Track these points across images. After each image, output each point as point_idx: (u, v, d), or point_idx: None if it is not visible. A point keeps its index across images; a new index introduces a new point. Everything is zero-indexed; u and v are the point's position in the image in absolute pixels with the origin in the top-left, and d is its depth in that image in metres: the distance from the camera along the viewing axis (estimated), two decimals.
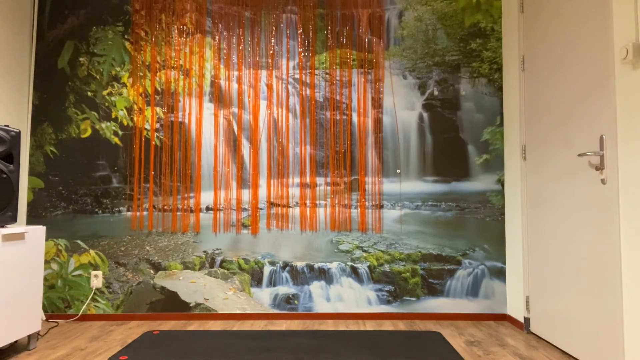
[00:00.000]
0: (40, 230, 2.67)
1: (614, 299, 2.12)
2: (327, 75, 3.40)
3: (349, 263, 3.31)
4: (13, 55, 3.26)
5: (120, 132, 3.39)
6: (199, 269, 3.32)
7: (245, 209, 3.36)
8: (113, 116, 3.40)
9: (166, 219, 3.35)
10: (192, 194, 3.36)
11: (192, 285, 3.31)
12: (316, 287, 3.30)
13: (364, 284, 3.30)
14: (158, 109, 3.40)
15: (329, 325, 3.11)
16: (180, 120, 3.39)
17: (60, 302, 3.31)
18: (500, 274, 3.28)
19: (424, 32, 3.40)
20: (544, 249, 2.74)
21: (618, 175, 2.11)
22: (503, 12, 3.35)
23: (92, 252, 3.34)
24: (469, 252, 3.30)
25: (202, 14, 3.44)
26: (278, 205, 3.36)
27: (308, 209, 3.35)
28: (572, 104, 2.47)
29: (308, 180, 3.36)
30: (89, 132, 3.40)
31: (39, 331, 2.81)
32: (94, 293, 3.31)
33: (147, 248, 3.34)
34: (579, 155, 2.30)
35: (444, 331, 2.99)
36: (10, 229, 2.46)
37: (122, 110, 3.40)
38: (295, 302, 3.30)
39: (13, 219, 2.56)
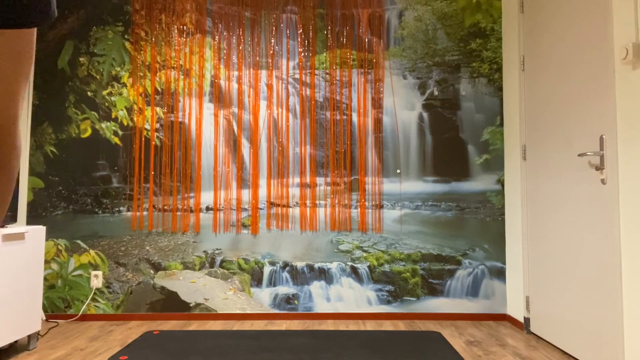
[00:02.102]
0: (40, 230, 2.67)
1: (614, 299, 2.12)
2: (327, 75, 3.40)
3: (349, 263, 3.31)
4: None
5: (120, 132, 3.39)
6: (199, 269, 3.32)
7: (245, 209, 3.36)
8: (113, 116, 3.40)
9: (166, 219, 3.35)
10: (192, 194, 3.36)
11: (192, 285, 3.31)
12: (316, 287, 3.30)
13: (364, 284, 3.30)
14: (158, 109, 3.40)
15: (329, 325, 3.11)
16: (180, 120, 3.39)
17: (60, 302, 3.31)
18: (500, 274, 3.27)
19: (424, 32, 3.40)
20: (544, 249, 2.74)
21: (618, 175, 2.11)
22: (503, 12, 3.35)
23: (92, 252, 3.34)
24: (469, 252, 3.30)
25: (202, 14, 3.44)
26: (278, 205, 3.36)
27: (308, 209, 3.35)
28: (572, 104, 2.47)
29: (308, 180, 3.36)
30: (89, 132, 3.39)
31: (39, 331, 2.81)
32: (94, 293, 3.31)
33: (147, 248, 3.34)
34: (579, 155, 2.30)
35: (444, 331, 2.99)
36: (10, 229, 2.46)
37: (122, 110, 3.40)
38: (295, 302, 3.30)
39: (13, 219, 2.56)
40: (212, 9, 3.44)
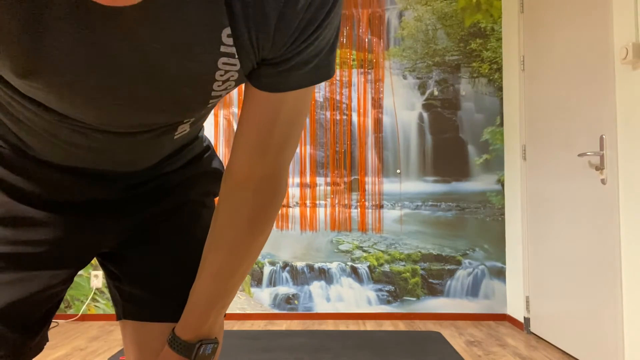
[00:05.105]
0: None
1: (614, 299, 2.12)
2: None
3: (349, 263, 3.31)
4: None
5: None
6: None
7: None
8: None
9: None
10: None
11: None
12: (316, 287, 3.30)
13: (364, 284, 3.30)
14: None
15: (329, 325, 3.11)
16: None
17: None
18: (500, 274, 3.28)
19: (424, 32, 3.40)
20: (544, 249, 2.74)
21: (618, 175, 2.11)
22: (503, 12, 3.35)
23: None
24: (469, 252, 3.30)
25: None
26: None
27: (308, 209, 3.35)
28: (572, 104, 2.47)
29: (308, 180, 3.36)
30: None
31: None
32: (94, 293, 3.31)
33: None
34: (579, 155, 2.30)
35: (444, 331, 2.99)
36: None
37: None
38: (295, 302, 3.30)
39: None
40: None
